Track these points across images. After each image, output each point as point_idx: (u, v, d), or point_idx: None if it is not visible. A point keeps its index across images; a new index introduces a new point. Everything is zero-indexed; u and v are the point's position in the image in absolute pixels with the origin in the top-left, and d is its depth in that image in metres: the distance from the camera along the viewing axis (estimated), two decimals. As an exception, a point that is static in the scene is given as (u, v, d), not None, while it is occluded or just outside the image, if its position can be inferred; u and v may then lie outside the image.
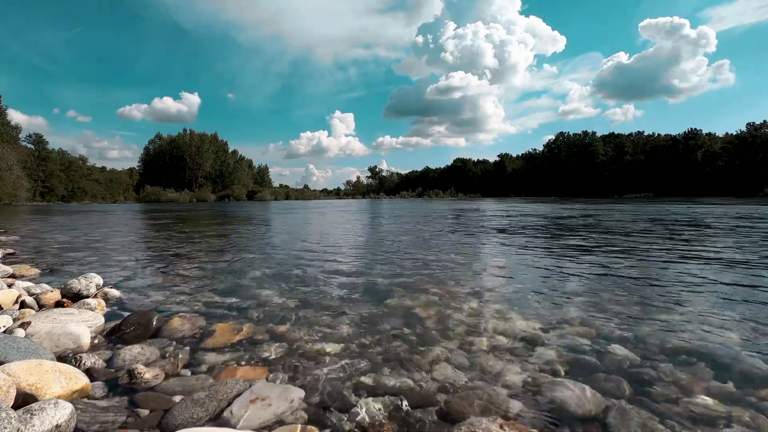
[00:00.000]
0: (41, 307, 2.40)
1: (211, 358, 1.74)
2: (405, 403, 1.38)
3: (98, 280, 2.80)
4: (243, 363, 1.69)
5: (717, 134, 66.78)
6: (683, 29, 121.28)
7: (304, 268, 3.87)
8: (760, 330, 2.05)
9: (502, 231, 7.82)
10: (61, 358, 1.65)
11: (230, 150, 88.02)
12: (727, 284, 3.03)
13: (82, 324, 1.92)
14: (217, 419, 1.27)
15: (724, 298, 2.65)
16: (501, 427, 1.18)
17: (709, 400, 1.38)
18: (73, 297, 2.56)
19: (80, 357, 1.65)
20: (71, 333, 1.80)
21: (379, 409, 1.34)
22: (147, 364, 1.65)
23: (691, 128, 67.22)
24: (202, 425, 1.24)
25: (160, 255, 4.92)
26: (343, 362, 1.69)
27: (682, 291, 2.86)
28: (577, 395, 1.39)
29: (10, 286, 2.69)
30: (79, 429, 1.19)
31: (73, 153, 70.61)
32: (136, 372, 1.52)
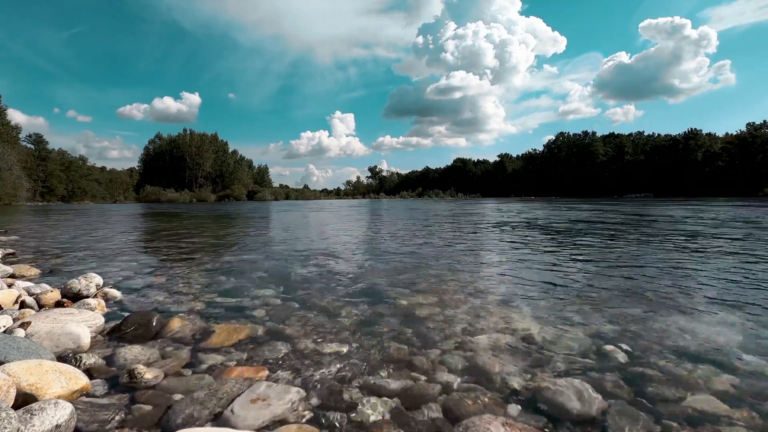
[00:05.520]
0: (41, 307, 2.40)
1: (212, 358, 1.74)
2: (406, 403, 1.38)
3: (98, 280, 2.80)
4: (243, 363, 1.69)
5: (717, 134, 66.81)
6: (684, 29, 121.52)
7: (305, 268, 3.87)
8: (761, 329, 2.05)
9: (501, 231, 7.82)
10: (61, 358, 1.65)
11: (230, 150, 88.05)
12: (727, 283, 3.03)
13: (82, 324, 1.92)
14: (217, 418, 1.27)
15: (725, 297, 2.65)
16: (501, 426, 1.18)
17: (709, 400, 1.38)
18: (73, 297, 2.56)
19: (80, 357, 1.65)
20: (71, 333, 1.80)
21: (380, 409, 1.34)
22: (147, 364, 1.65)
23: (691, 128, 67.28)
24: (203, 424, 1.24)
25: (160, 255, 4.92)
26: (343, 362, 1.69)
27: (682, 290, 2.85)
28: (577, 395, 1.39)
29: (10, 286, 2.69)
30: (79, 428, 1.19)
31: (73, 153, 70.64)
32: (136, 372, 1.52)
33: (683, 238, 6.13)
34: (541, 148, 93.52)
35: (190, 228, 9.54)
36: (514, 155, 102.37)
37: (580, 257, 4.42)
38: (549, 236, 6.85)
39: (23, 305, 2.35)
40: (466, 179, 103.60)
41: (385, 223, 10.93)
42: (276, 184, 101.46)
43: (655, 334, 2.00)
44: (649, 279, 3.26)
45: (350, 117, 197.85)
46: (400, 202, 42.15)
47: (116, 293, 2.76)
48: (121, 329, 2.01)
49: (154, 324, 2.06)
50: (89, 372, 1.56)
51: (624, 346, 1.84)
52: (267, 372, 1.60)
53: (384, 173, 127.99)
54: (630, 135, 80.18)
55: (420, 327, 2.14)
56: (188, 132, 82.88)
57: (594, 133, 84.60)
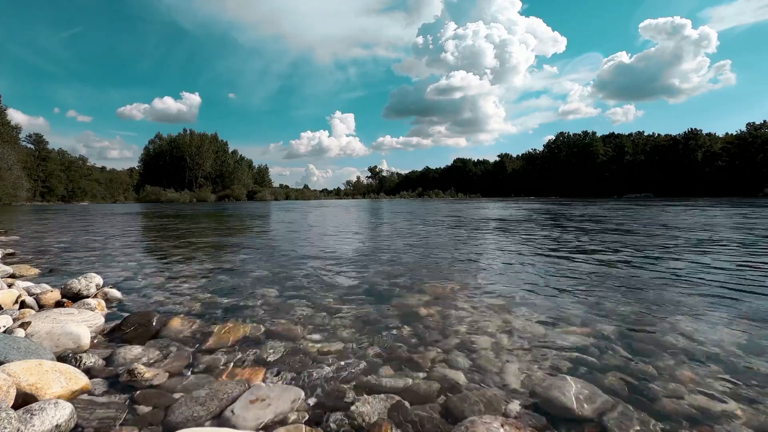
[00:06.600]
0: (41, 307, 2.40)
1: (212, 358, 1.74)
2: (405, 402, 1.38)
3: (98, 280, 2.80)
4: (243, 363, 1.69)
5: (717, 134, 66.76)
6: (685, 29, 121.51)
7: (305, 268, 3.87)
8: (760, 328, 2.05)
9: (501, 231, 7.82)
10: (61, 358, 1.65)
11: (230, 150, 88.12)
12: (726, 283, 3.03)
13: (82, 324, 1.92)
14: (217, 419, 1.27)
15: (724, 297, 2.65)
16: (501, 426, 1.18)
17: (709, 399, 1.38)
18: (73, 297, 2.56)
19: (80, 357, 1.65)
20: (71, 333, 1.80)
21: (379, 409, 1.34)
22: (147, 364, 1.65)
23: (691, 128, 67.18)
24: (202, 424, 1.24)
25: (160, 255, 4.92)
26: (343, 362, 1.69)
27: (682, 290, 2.85)
28: (578, 394, 1.39)
29: (10, 286, 2.69)
30: (79, 428, 1.19)
31: (73, 153, 70.73)
32: (136, 372, 1.52)
33: (682, 238, 6.13)
34: (541, 148, 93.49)
35: (190, 228, 9.54)
36: (514, 155, 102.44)
37: (580, 257, 4.42)
38: (548, 236, 6.85)
39: (23, 305, 2.35)
40: (466, 179, 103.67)
41: (385, 222, 10.93)
42: (276, 184, 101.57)
43: (656, 332, 2.00)
44: (649, 278, 3.26)
45: (350, 117, 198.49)
46: (400, 202, 42.15)
47: (116, 293, 2.76)
48: (121, 329, 2.01)
49: (154, 324, 2.06)
50: (89, 372, 1.56)
51: (624, 345, 1.84)
52: (267, 372, 1.60)
53: (384, 173, 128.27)
54: (630, 135, 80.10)
55: (419, 326, 2.14)
56: (188, 132, 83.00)
57: (594, 133, 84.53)
